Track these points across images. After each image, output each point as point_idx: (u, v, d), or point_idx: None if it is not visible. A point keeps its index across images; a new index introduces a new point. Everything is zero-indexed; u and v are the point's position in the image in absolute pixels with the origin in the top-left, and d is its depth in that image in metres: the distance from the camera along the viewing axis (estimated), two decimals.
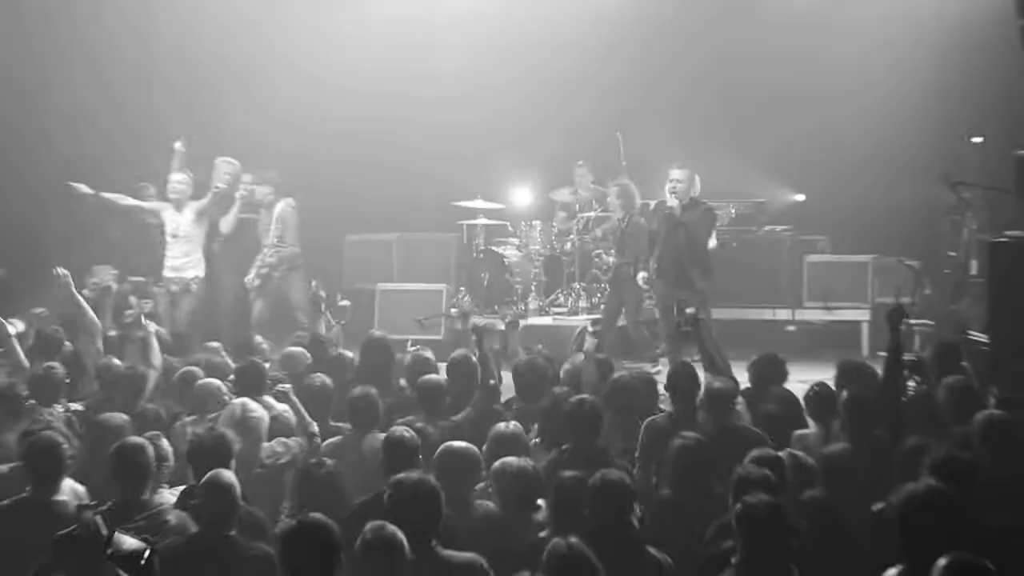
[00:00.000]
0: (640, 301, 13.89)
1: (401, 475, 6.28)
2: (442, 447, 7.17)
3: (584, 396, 8.07)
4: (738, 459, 6.83)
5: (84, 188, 13.24)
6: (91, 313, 10.76)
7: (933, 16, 15.33)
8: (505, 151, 16.31)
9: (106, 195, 13.42)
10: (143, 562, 5.01)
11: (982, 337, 10.68)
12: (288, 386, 8.86)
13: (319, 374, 9.35)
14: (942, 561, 4.99)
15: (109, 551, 5.06)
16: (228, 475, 6.61)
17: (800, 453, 7.12)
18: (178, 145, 13.54)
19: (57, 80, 15.11)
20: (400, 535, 5.58)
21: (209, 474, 6.64)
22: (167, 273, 13.26)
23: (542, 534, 6.37)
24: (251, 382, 8.97)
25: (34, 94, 15.02)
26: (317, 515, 5.67)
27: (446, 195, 15.78)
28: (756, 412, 8.60)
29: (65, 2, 15.11)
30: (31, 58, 15.04)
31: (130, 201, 13.57)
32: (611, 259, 14.44)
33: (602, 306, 14.52)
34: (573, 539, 5.35)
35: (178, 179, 13.28)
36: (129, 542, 5.08)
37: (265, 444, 8.10)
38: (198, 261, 13.26)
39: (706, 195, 13.31)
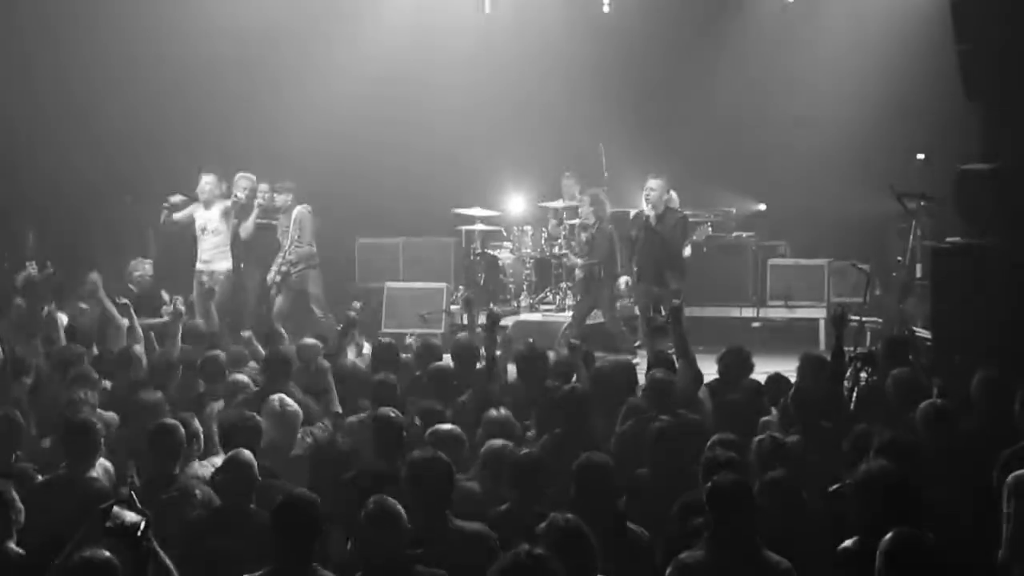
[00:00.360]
0: (612, 299, 13.90)
1: (416, 452, 6.23)
2: (429, 431, 7.13)
3: (575, 384, 7.99)
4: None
5: (178, 198, 13.37)
6: (115, 313, 10.69)
7: (881, 43, 15.38)
8: (500, 163, 16.34)
9: (175, 216, 13.48)
10: (139, 534, 4.80)
11: (926, 333, 10.68)
12: (327, 365, 8.80)
13: (350, 359, 9.37)
14: (888, 536, 4.97)
15: (107, 524, 4.82)
16: (247, 454, 6.56)
17: (778, 435, 7.00)
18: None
19: (105, 99, 15.09)
20: (399, 507, 5.53)
21: (231, 453, 6.62)
22: (199, 266, 13.30)
23: (503, 507, 6.34)
24: (278, 369, 8.97)
25: (83, 112, 15.00)
26: (302, 491, 5.69)
27: (447, 202, 15.79)
28: (720, 401, 8.51)
29: (105, 27, 15.06)
30: (78, 79, 15.03)
31: (182, 214, 13.59)
32: (579, 260, 14.30)
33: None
34: (569, 515, 5.25)
35: (206, 180, 13.35)
36: (128, 516, 4.84)
37: (298, 435, 8.06)
38: (226, 254, 13.31)
39: (682, 205, 13.33)
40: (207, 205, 13.33)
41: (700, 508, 5.77)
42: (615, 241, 13.70)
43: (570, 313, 14.46)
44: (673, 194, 13.26)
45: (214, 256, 13.27)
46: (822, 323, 15.13)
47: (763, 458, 6.66)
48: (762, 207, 16.72)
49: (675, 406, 7.99)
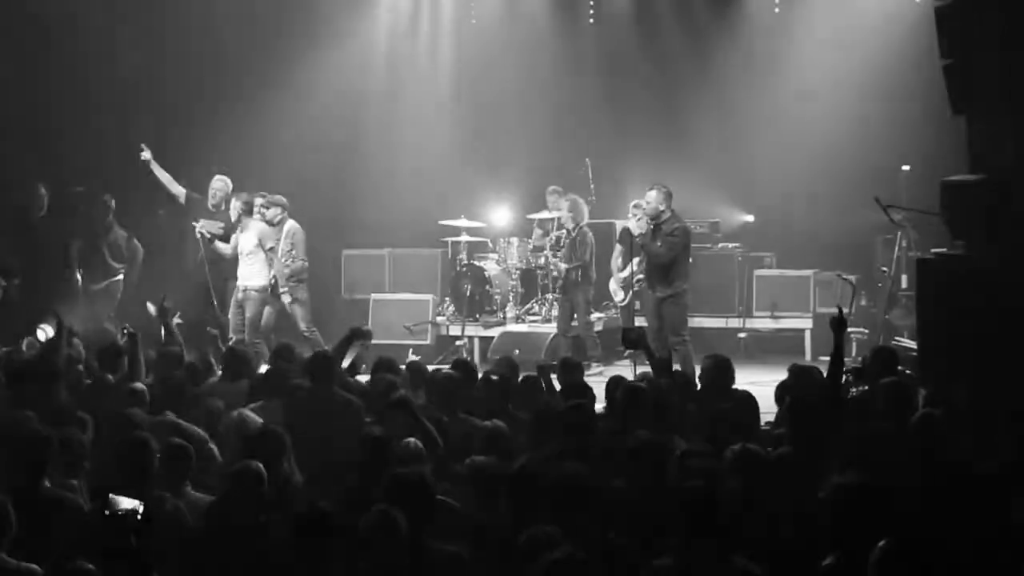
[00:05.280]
0: (588, 304, 14.11)
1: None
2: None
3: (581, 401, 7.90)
4: None
5: (147, 154, 13.55)
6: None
7: (867, 56, 15.54)
8: (486, 174, 16.43)
9: (160, 171, 13.59)
10: (138, 518, 4.67)
11: (911, 343, 10.78)
12: None
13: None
14: (879, 546, 4.97)
15: (105, 512, 4.71)
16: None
17: (752, 445, 6.97)
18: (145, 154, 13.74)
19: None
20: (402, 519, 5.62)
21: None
22: (239, 283, 13.27)
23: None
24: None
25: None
26: None
27: (433, 214, 15.87)
28: (706, 410, 8.42)
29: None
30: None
31: (177, 188, 13.77)
32: (564, 265, 14.42)
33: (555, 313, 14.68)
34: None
35: (235, 206, 13.27)
36: (125, 502, 4.72)
37: None
38: (261, 273, 13.18)
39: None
40: (242, 228, 13.30)
41: None
42: (593, 245, 14.03)
43: (555, 324, 14.57)
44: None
45: (250, 274, 13.17)
46: (808, 333, 15.28)
47: (731, 467, 6.68)
48: (749, 218, 16.83)
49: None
